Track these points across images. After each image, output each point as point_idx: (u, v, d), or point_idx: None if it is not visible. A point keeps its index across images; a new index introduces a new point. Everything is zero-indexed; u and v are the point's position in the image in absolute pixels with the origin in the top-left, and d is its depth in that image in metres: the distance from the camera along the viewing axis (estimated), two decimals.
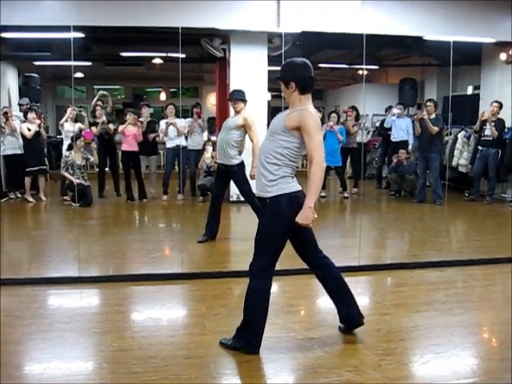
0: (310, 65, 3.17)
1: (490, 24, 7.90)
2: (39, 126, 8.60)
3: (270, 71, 8.28)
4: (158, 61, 11.26)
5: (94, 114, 8.88)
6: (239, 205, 7.93)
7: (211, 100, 14.09)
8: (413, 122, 9.15)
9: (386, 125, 10.03)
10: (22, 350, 3.22)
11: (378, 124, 11.22)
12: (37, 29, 7.31)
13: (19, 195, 8.75)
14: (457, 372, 2.99)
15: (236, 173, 5.77)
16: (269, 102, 9.11)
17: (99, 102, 9.04)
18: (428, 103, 8.60)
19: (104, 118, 8.72)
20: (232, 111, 6.15)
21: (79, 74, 11.16)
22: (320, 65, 11.12)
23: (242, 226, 7.10)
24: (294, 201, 3.08)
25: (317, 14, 7.27)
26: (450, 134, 9.75)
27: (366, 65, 10.96)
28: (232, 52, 8.34)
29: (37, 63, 10.87)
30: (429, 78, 11.98)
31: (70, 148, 8.34)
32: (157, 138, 9.05)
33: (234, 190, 7.71)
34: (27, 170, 8.37)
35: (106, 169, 9.05)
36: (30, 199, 8.42)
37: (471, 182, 9.01)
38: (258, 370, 3.04)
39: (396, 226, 7.36)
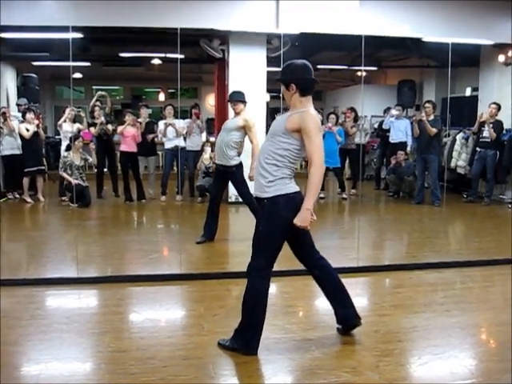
0: (311, 66, 3.17)
1: (488, 26, 7.93)
2: (37, 126, 8.58)
3: (268, 72, 8.29)
4: (156, 61, 11.28)
5: (93, 114, 8.87)
6: (238, 206, 7.92)
7: (210, 101, 14.10)
8: (411, 123, 9.16)
9: (384, 126, 10.04)
10: (20, 351, 3.22)
11: (376, 125, 11.24)
12: (35, 29, 7.31)
13: (17, 196, 8.74)
14: (455, 373, 2.99)
15: (234, 174, 5.77)
16: (267, 103, 9.11)
17: (98, 103, 9.04)
18: (426, 104, 8.61)
19: (102, 118, 8.72)
20: (231, 112, 6.16)
21: (78, 75, 11.16)
22: (319, 66, 11.12)
23: (241, 226, 7.10)
24: (292, 202, 3.08)
25: (316, 15, 7.28)
26: (449, 136, 9.76)
27: (365, 66, 11.00)
28: (231, 53, 8.35)
29: (35, 63, 10.87)
30: (427, 79, 12.01)
31: (68, 148, 8.33)
32: (155, 139, 9.05)
33: (232, 191, 7.72)
34: (25, 170, 8.37)
35: (105, 169, 9.04)
36: (29, 200, 8.41)
37: (469, 183, 9.02)
38: (256, 371, 3.04)
39: (394, 228, 7.36)
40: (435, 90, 11.53)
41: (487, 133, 8.49)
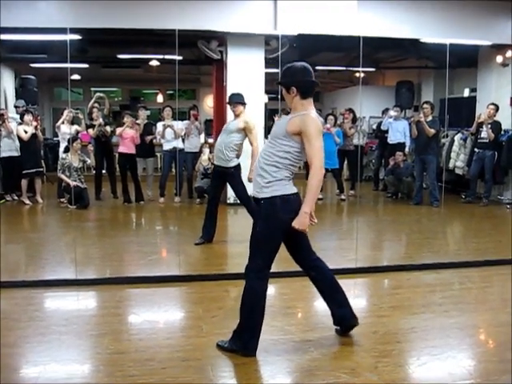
0: (311, 69, 3.18)
1: (486, 26, 7.94)
2: (36, 128, 8.59)
3: (266, 73, 8.29)
4: (154, 63, 11.27)
5: (91, 116, 8.87)
6: (236, 207, 7.91)
7: (208, 102, 14.10)
8: (409, 124, 9.17)
9: (382, 127, 10.05)
10: (19, 353, 3.22)
11: (374, 126, 11.26)
12: (33, 31, 7.30)
13: (16, 197, 8.72)
14: (453, 374, 3.00)
15: (233, 175, 5.77)
16: (266, 104, 9.12)
17: (96, 104, 9.02)
18: (425, 105, 8.62)
19: (101, 120, 8.70)
20: (229, 114, 6.17)
21: (76, 76, 11.15)
22: (317, 67, 11.10)
23: (239, 228, 7.10)
24: (289, 203, 3.08)
25: (314, 16, 7.28)
26: (447, 137, 9.77)
27: (363, 67, 10.99)
28: (229, 54, 8.35)
29: (33, 65, 10.86)
30: (425, 80, 12.02)
31: (66, 150, 8.32)
32: (154, 141, 9.05)
33: (231, 193, 7.71)
34: (24, 172, 8.36)
35: (103, 171, 9.04)
36: (27, 201, 8.41)
37: (468, 184, 9.03)
38: (255, 373, 3.04)
39: (393, 228, 7.37)
40: (433, 90, 11.54)
41: (485, 133, 8.50)
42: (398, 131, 9.56)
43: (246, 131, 5.74)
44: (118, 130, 8.57)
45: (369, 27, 7.30)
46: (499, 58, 8.99)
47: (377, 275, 4.98)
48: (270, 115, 9.63)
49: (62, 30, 5.98)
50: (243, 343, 3.15)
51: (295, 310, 4.09)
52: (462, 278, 4.87)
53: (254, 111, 7.11)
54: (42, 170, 8.83)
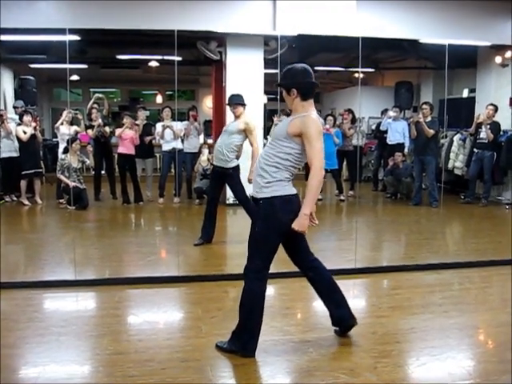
0: (311, 70, 3.18)
1: (485, 27, 7.94)
2: (35, 128, 8.57)
3: (266, 74, 8.29)
4: (154, 63, 11.27)
5: (90, 116, 8.87)
6: (235, 207, 7.91)
7: (207, 103, 14.10)
8: (409, 124, 9.18)
9: (381, 128, 10.05)
10: (18, 354, 3.21)
11: (374, 127, 11.25)
12: (32, 31, 7.29)
13: (15, 198, 8.71)
14: (452, 374, 3.00)
15: (232, 175, 5.77)
16: (265, 105, 9.12)
17: (95, 105, 9.03)
18: (424, 106, 8.62)
19: (100, 120, 8.71)
20: (228, 114, 6.17)
21: (75, 77, 11.14)
22: (316, 68, 11.10)
23: (239, 228, 7.08)
24: (288, 204, 3.08)
25: (313, 17, 7.28)
26: (446, 137, 9.77)
27: (362, 68, 10.97)
28: (228, 55, 8.36)
29: (32, 66, 10.87)
30: (425, 80, 12.02)
31: (65, 151, 8.32)
32: (153, 141, 9.05)
33: (230, 193, 7.70)
34: (23, 173, 8.36)
35: (102, 172, 9.04)
36: (26, 202, 8.40)
37: (467, 184, 9.03)
38: (254, 373, 3.03)
39: (392, 229, 7.37)
40: (432, 91, 11.54)
41: (484, 134, 8.51)
42: (398, 132, 9.56)
43: (246, 132, 5.75)
44: (118, 131, 8.57)
45: (368, 28, 7.30)
46: (498, 59, 8.99)
47: (376, 276, 4.98)
48: (270, 116, 9.64)
49: (61, 31, 5.97)
50: (242, 344, 3.15)
51: (294, 311, 4.09)
52: (462, 278, 4.87)
53: (253, 112, 7.10)
54: (41, 170, 8.83)
